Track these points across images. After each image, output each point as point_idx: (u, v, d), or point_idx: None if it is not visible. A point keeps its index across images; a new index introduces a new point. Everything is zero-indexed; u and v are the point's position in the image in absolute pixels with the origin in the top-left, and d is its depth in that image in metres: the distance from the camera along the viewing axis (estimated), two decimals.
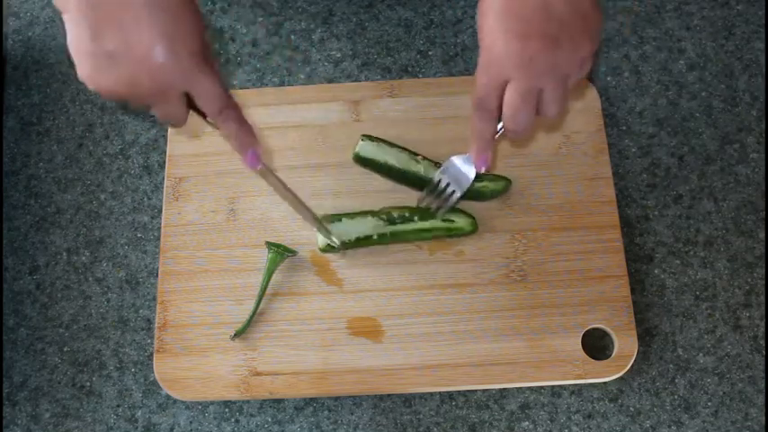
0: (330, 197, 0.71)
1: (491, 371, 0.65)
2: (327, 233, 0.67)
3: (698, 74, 0.79)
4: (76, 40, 0.47)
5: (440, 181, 0.65)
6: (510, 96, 0.51)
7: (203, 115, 0.53)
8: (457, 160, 0.64)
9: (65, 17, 0.47)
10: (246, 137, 0.54)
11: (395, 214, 0.68)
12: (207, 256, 0.70)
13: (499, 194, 0.70)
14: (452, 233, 0.68)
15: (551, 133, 0.73)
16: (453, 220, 0.67)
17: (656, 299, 0.71)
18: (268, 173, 0.59)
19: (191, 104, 0.51)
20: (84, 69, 0.48)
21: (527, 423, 0.68)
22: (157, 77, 0.47)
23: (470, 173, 0.63)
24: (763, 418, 0.67)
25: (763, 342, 0.69)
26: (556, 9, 0.48)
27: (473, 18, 0.82)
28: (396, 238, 0.68)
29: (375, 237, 0.68)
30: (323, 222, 0.67)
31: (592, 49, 0.50)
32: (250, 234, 0.71)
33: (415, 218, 0.68)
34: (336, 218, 0.68)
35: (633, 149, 0.76)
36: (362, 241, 0.68)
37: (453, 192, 0.65)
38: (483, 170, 0.60)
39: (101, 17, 0.46)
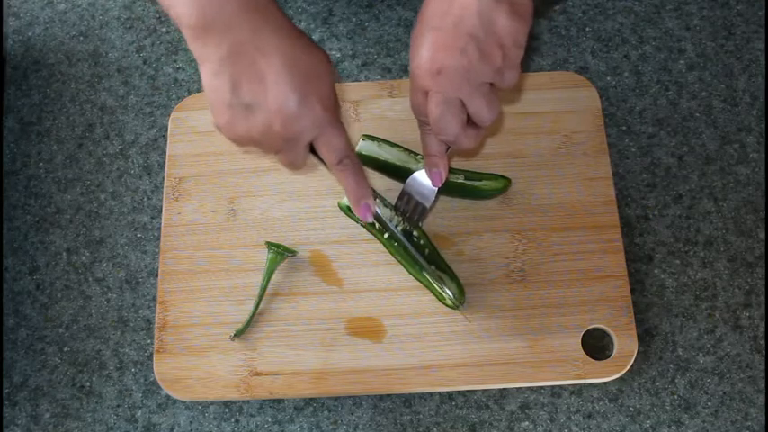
0: (330, 197, 0.71)
1: (491, 371, 0.65)
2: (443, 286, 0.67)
3: (698, 74, 0.79)
4: (216, 92, 0.49)
5: (406, 198, 0.65)
6: (429, 107, 0.54)
7: (322, 161, 0.56)
8: (419, 175, 0.64)
9: (203, 68, 0.50)
10: (361, 189, 0.57)
11: (410, 231, 0.68)
12: (207, 256, 0.70)
13: (499, 194, 0.70)
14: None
15: (552, 135, 0.73)
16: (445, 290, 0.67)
17: (656, 299, 0.71)
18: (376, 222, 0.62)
19: (311, 149, 0.55)
20: (221, 118, 0.50)
21: (527, 423, 0.68)
22: (291, 127, 0.50)
23: (432, 187, 0.64)
24: (763, 418, 0.67)
25: (763, 342, 0.69)
26: (467, 24, 0.50)
27: None
28: (397, 247, 0.68)
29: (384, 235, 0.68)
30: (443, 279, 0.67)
31: (508, 58, 0.51)
32: (250, 234, 0.71)
33: (425, 250, 0.67)
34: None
35: (633, 149, 0.76)
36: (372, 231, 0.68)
37: (421, 206, 0.65)
38: (438, 185, 0.62)
39: (241, 69, 0.49)
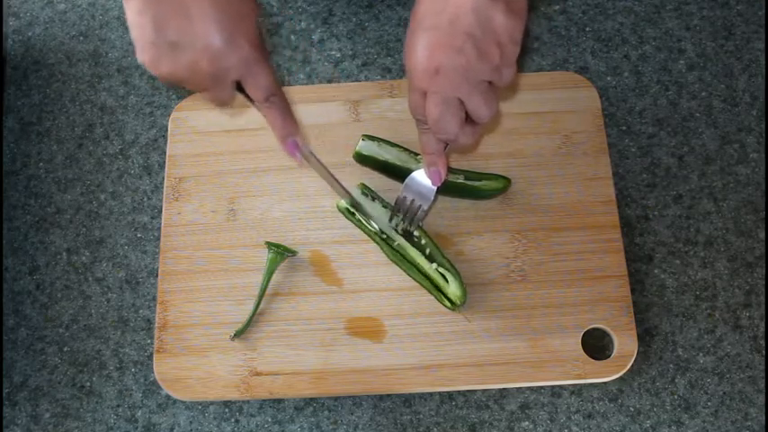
0: (330, 197, 0.71)
1: (491, 371, 0.65)
2: (367, 217, 0.67)
3: (698, 74, 0.79)
4: (139, 29, 0.50)
5: (405, 198, 0.65)
6: (428, 106, 0.54)
7: (250, 99, 0.55)
8: (417, 175, 0.64)
9: (128, 5, 0.50)
10: (288, 126, 0.57)
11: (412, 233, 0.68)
12: (207, 256, 0.70)
13: (499, 194, 0.70)
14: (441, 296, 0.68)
15: (552, 135, 0.73)
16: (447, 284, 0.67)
17: (656, 299, 0.71)
18: (309, 158, 0.61)
19: (238, 87, 0.54)
20: (145, 56, 0.51)
21: (527, 423, 0.68)
22: (216, 65, 0.50)
23: (431, 186, 0.64)
24: (763, 418, 0.67)
25: (763, 342, 0.69)
26: (464, 22, 0.50)
27: None
28: (396, 250, 0.68)
29: (383, 236, 0.68)
30: (362, 207, 0.68)
31: (505, 56, 0.51)
32: (250, 234, 0.71)
33: (426, 249, 0.67)
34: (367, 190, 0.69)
35: (633, 149, 0.76)
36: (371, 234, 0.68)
37: (420, 206, 0.65)
38: (437, 184, 0.62)
39: (166, 8, 0.49)
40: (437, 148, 0.59)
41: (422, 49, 0.51)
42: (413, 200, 0.65)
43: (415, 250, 0.67)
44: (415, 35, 0.52)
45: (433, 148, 0.59)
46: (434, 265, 0.66)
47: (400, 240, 0.68)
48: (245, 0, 0.51)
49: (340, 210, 0.69)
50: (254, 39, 0.51)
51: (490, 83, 0.53)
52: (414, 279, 0.67)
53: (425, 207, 0.65)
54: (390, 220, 0.67)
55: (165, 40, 0.49)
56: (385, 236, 0.68)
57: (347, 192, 0.67)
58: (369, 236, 0.69)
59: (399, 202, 0.65)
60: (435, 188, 0.64)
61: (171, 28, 0.49)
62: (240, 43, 0.50)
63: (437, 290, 0.67)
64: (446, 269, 0.66)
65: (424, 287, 0.67)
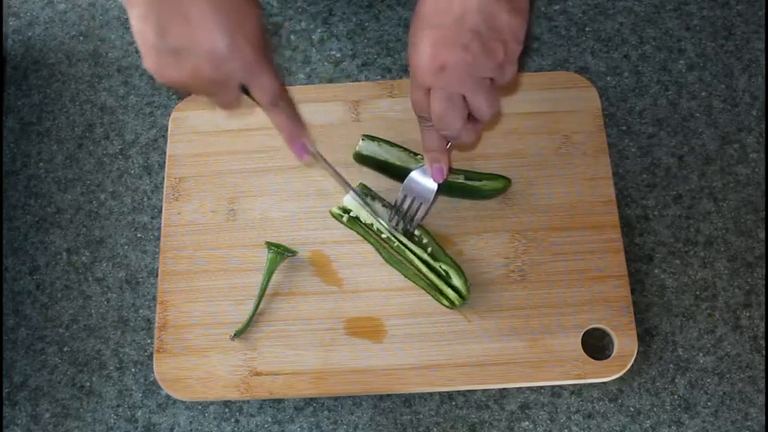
0: (330, 197, 0.71)
1: (491, 371, 0.65)
2: (375, 215, 0.67)
3: (698, 74, 0.79)
4: (143, 35, 0.49)
5: (404, 198, 0.65)
6: (433, 103, 0.54)
7: (257, 102, 0.55)
8: (416, 174, 0.64)
9: (131, 12, 0.49)
10: (296, 128, 0.57)
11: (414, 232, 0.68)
12: (207, 256, 0.70)
13: (499, 194, 0.70)
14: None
15: (552, 135, 0.73)
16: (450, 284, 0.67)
17: (656, 299, 0.71)
18: (317, 158, 0.61)
19: (244, 91, 0.54)
20: (150, 62, 0.50)
21: (527, 423, 0.68)
22: (220, 70, 0.50)
23: (432, 185, 0.64)
24: (763, 418, 0.67)
25: (763, 342, 0.69)
26: (469, 19, 0.50)
27: None
28: (395, 250, 0.68)
29: (382, 235, 0.68)
30: (370, 204, 0.68)
31: (508, 53, 0.52)
32: (250, 234, 0.71)
33: (428, 248, 0.67)
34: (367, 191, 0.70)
35: (633, 149, 0.76)
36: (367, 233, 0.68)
37: (420, 205, 0.65)
38: (440, 180, 0.62)
39: (167, 13, 0.48)
40: (439, 145, 0.60)
41: (427, 46, 0.51)
42: (412, 199, 0.65)
43: (417, 248, 0.67)
44: (419, 32, 0.52)
45: (435, 145, 0.60)
46: (439, 264, 0.66)
47: (402, 239, 0.68)
48: (246, 1, 0.51)
49: (333, 215, 0.69)
50: (256, 41, 0.51)
51: (492, 81, 0.53)
52: (410, 279, 0.67)
53: (425, 207, 0.65)
54: (390, 220, 0.67)
55: (167, 47, 0.49)
56: (384, 236, 0.68)
57: (354, 189, 0.67)
58: (364, 237, 0.69)
59: (399, 201, 0.65)
60: (434, 188, 0.64)
61: (172, 34, 0.49)
62: (243, 47, 0.50)
63: (435, 289, 0.66)
64: (449, 266, 0.66)
65: (421, 287, 0.67)
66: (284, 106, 0.55)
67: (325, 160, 0.62)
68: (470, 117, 0.56)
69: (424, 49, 0.51)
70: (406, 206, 0.65)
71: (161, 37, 0.49)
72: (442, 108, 0.54)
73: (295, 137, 0.57)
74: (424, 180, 0.64)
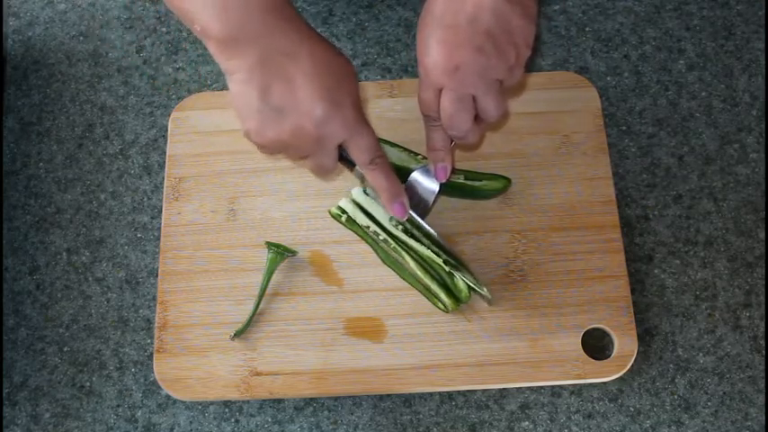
0: (330, 197, 0.71)
1: (491, 371, 0.65)
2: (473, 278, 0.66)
3: (698, 74, 0.79)
4: (245, 97, 0.50)
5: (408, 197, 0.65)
6: (444, 103, 0.54)
7: (349, 166, 0.57)
8: (418, 175, 0.65)
9: (232, 77, 0.50)
10: (394, 187, 0.58)
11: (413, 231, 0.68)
12: (207, 256, 0.70)
13: (499, 194, 0.70)
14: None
15: (552, 135, 0.73)
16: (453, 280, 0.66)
17: (656, 299, 0.71)
18: (412, 217, 0.63)
19: (340, 153, 0.55)
20: (250, 124, 0.51)
21: (527, 423, 0.68)
22: (321, 129, 0.51)
23: (433, 185, 0.65)
24: (763, 418, 0.67)
25: (763, 342, 0.69)
26: (483, 21, 0.50)
27: None
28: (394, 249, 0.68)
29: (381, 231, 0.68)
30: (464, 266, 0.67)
31: (519, 57, 0.53)
32: (250, 234, 0.71)
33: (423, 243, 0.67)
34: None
35: (633, 149, 0.76)
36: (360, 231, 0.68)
37: (423, 205, 0.65)
38: (444, 179, 0.63)
39: (270, 76, 0.49)
40: (445, 144, 0.60)
41: (441, 46, 0.51)
42: (415, 199, 0.65)
43: (418, 245, 0.66)
44: (431, 32, 0.52)
45: (440, 144, 0.60)
46: (445, 259, 0.66)
47: (404, 239, 0.67)
48: (344, 63, 0.52)
49: (332, 215, 0.69)
50: (355, 101, 0.52)
51: (501, 83, 0.54)
52: (406, 281, 0.67)
53: (426, 206, 0.65)
54: (391, 219, 0.67)
55: (269, 107, 0.50)
56: (381, 237, 0.67)
57: (454, 254, 0.66)
58: (362, 238, 0.69)
59: None
60: (436, 188, 0.64)
61: (275, 94, 0.50)
62: (343, 107, 0.51)
63: (430, 293, 0.66)
64: (453, 266, 0.66)
65: (417, 289, 0.67)
66: (382, 164, 0.56)
67: (419, 219, 0.64)
68: (476, 118, 0.56)
69: (438, 49, 0.51)
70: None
71: (263, 98, 0.50)
72: (453, 108, 0.54)
73: (395, 197, 0.58)
74: (425, 181, 0.64)
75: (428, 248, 0.66)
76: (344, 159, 0.56)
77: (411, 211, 0.63)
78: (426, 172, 0.65)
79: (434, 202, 0.66)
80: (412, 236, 0.67)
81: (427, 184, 0.64)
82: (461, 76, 0.52)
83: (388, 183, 0.57)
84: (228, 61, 0.50)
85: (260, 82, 0.49)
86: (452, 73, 0.52)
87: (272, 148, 0.53)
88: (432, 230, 0.65)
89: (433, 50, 0.52)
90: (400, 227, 0.67)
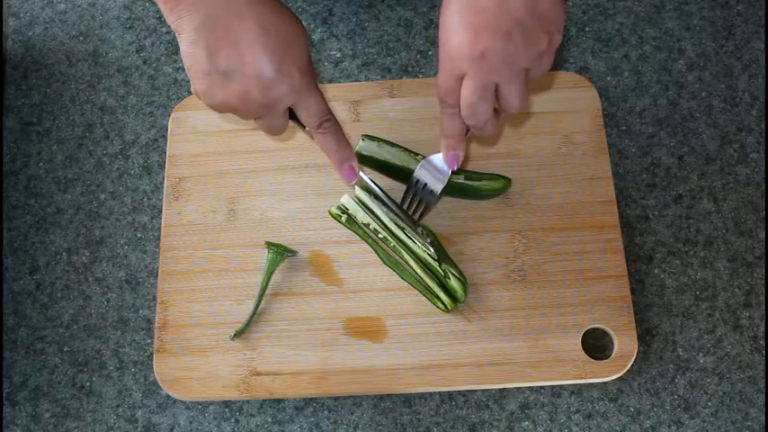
0: (330, 197, 0.71)
1: (491, 371, 0.65)
2: (426, 246, 0.66)
3: (698, 74, 0.79)
4: (193, 59, 0.50)
5: (417, 181, 0.65)
6: (465, 90, 0.52)
7: (302, 126, 0.56)
8: (433, 159, 0.64)
9: (180, 37, 0.50)
10: (344, 151, 0.57)
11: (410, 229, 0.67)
12: (207, 256, 0.70)
13: (499, 194, 0.70)
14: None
15: (552, 135, 0.73)
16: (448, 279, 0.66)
17: (656, 299, 0.71)
18: (362, 181, 0.62)
19: (290, 114, 0.55)
20: (199, 86, 0.51)
21: (527, 423, 0.68)
22: (268, 93, 0.50)
23: (446, 170, 0.63)
24: (763, 418, 0.67)
25: (763, 342, 0.69)
26: (512, 6, 0.48)
27: None
28: (394, 248, 0.68)
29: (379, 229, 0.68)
30: (425, 236, 0.67)
31: (549, 44, 0.50)
32: (250, 234, 0.71)
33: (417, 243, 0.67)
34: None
35: (633, 149, 0.76)
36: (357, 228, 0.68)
37: (432, 190, 0.64)
38: (454, 168, 0.61)
39: (217, 38, 0.49)
40: (460, 133, 0.57)
41: (466, 30, 0.49)
42: (425, 183, 0.64)
43: (416, 245, 0.66)
44: (456, 15, 0.49)
45: (455, 132, 0.57)
46: (439, 263, 0.66)
47: (403, 238, 0.67)
48: (293, 25, 0.51)
49: (332, 215, 0.69)
50: (303, 65, 0.51)
51: (527, 72, 0.51)
52: (406, 281, 0.67)
53: (437, 191, 0.64)
54: (402, 203, 0.67)
55: (217, 70, 0.49)
56: (381, 236, 0.67)
57: (398, 205, 0.66)
58: (362, 237, 0.69)
59: (412, 184, 0.65)
60: (449, 173, 0.63)
61: (222, 57, 0.49)
62: (290, 71, 0.50)
63: (430, 292, 0.66)
64: (450, 266, 0.66)
65: (417, 289, 0.67)
66: (331, 128, 0.55)
67: (372, 182, 0.63)
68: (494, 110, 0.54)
69: (463, 33, 0.49)
70: (419, 189, 0.64)
71: (211, 61, 0.49)
72: (475, 96, 0.51)
73: (343, 160, 0.57)
74: (439, 165, 0.63)
75: (411, 239, 0.66)
76: (296, 119, 0.56)
77: (364, 175, 0.62)
78: (440, 159, 0.63)
79: (436, 201, 0.66)
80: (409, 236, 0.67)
81: (440, 167, 0.63)
82: (487, 62, 0.49)
83: (338, 146, 0.56)
84: (177, 21, 0.49)
85: (207, 43, 0.49)
86: (477, 59, 0.49)
87: (221, 110, 0.53)
88: (391, 203, 0.64)
89: (458, 34, 0.49)
90: (411, 210, 0.66)
